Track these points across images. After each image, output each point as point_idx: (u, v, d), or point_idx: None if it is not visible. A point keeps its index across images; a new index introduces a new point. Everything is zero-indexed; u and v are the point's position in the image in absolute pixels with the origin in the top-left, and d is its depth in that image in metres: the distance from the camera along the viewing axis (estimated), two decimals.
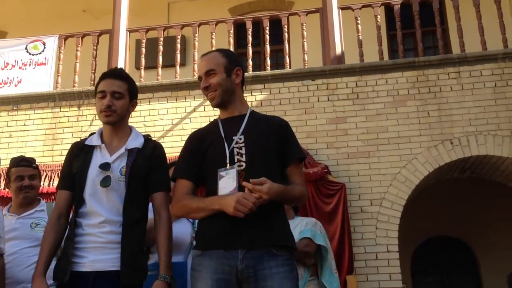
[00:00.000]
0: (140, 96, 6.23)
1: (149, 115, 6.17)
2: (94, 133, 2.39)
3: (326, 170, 5.55)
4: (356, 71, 6.01)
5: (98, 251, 2.14)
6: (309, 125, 5.86)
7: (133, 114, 6.45)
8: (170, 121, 6.13)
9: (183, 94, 6.24)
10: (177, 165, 2.28)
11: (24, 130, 6.30)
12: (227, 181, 2.03)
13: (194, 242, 2.85)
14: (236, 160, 2.08)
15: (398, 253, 5.32)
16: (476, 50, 5.96)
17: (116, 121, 2.32)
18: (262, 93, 6.10)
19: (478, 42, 6.03)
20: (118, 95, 2.31)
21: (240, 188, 2.00)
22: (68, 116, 6.23)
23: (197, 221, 2.94)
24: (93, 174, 2.22)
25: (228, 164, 2.07)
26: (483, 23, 6.04)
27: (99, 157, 2.27)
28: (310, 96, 6.01)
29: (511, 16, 7.49)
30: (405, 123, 5.71)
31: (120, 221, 2.18)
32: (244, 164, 2.07)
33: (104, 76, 2.35)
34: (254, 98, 6.09)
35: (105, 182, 2.19)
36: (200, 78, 2.25)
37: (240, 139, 2.13)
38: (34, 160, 3.40)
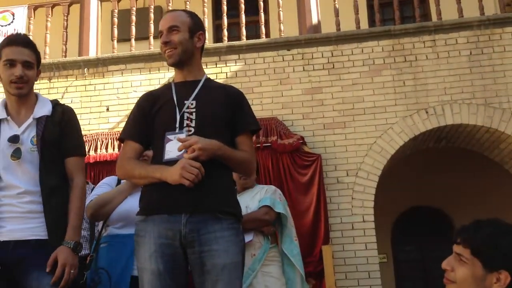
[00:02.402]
0: (113, 67, 6.21)
1: (122, 87, 6.04)
2: None
3: (301, 141, 5.51)
4: (331, 40, 5.93)
5: (17, 221, 2.10)
6: (285, 96, 5.79)
7: (105, 86, 6.39)
8: (144, 93, 6.00)
9: (157, 66, 6.11)
10: (125, 125, 2.22)
11: None
12: (174, 145, 1.98)
13: None
14: (185, 125, 2.04)
15: (373, 223, 5.33)
16: (452, 18, 5.90)
17: (27, 93, 2.23)
18: (237, 64, 6.00)
19: (455, 10, 5.97)
20: (28, 64, 2.21)
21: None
22: (39, 89, 6.06)
23: None
24: (4, 147, 2.16)
25: (177, 129, 2.03)
26: None
27: (7, 130, 2.19)
28: (286, 67, 5.92)
29: None
30: (381, 92, 5.67)
31: (38, 191, 2.13)
32: (193, 129, 2.03)
33: (12, 43, 2.22)
34: (229, 69, 5.99)
35: (16, 154, 2.14)
36: (161, 33, 2.18)
37: (192, 104, 2.09)
38: None
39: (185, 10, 2.29)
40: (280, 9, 6.28)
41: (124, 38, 6.85)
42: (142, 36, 6.81)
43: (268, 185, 3.68)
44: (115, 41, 6.41)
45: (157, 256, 1.93)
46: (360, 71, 5.77)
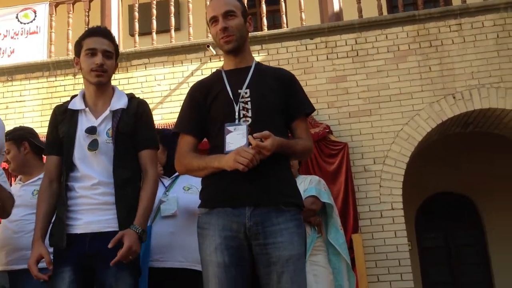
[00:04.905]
0: (135, 62, 6.23)
1: (146, 81, 6.06)
2: (75, 95, 2.31)
3: (327, 130, 5.49)
4: (355, 27, 5.87)
5: (93, 213, 2.11)
6: (309, 85, 5.75)
7: (129, 80, 6.41)
8: (168, 86, 6.02)
9: (180, 59, 6.11)
10: (178, 118, 2.17)
11: (20, 101, 6.22)
12: (235, 137, 1.95)
13: (161, 207, 2.69)
14: (242, 116, 2.01)
15: (402, 210, 5.31)
16: (478, 1, 5.81)
17: (106, 82, 2.25)
18: (260, 54, 5.97)
19: None
20: (108, 54, 2.23)
21: (250, 145, 1.92)
22: (64, 85, 6.12)
23: (174, 186, 2.83)
24: (80, 138, 2.18)
25: (237, 120, 2.00)
26: None
27: (84, 121, 2.21)
28: (309, 56, 5.88)
29: None
30: (407, 79, 5.61)
31: (111, 182, 2.14)
32: (249, 119, 2.00)
33: (92, 33, 2.25)
34: None
35: (93, 146, 2.15)
36: (214, 18, 2.07)
37: (246, 93, 2.04)
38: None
39: None
40: None
41: (144, 32, 6.86)
42: (162, 29, 6.82)
43: (311, 175, 3.68)
44: (137, 35, 6.41)
45: (222, 248, 1.92)
46: (385, 58, 5.72)
